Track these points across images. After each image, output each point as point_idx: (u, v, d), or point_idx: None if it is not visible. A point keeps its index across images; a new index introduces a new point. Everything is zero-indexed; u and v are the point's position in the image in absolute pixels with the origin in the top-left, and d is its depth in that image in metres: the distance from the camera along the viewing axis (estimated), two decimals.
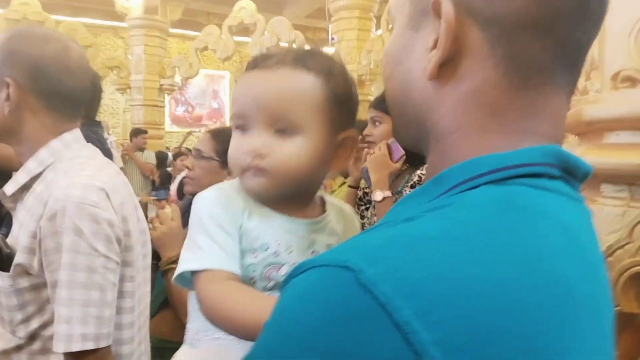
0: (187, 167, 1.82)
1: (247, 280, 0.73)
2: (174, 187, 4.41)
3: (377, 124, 2.01)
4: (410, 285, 0.34)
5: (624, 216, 0.80)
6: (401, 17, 0.54)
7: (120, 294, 1.05)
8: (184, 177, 1.88)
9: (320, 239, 0.79)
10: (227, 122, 12.45)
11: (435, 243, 0.38)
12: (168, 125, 10.68)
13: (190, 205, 0.75)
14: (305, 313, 0.35)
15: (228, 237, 0.71)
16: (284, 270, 0.74)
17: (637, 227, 0.77)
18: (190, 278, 0.73)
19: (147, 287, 1.21)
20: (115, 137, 8.67)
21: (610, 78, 0.81)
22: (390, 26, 5.95)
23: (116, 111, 11.49)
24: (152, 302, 1.30)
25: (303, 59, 0.74)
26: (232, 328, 0.67)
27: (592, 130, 0.87)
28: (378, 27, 6.38)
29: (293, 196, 0.79)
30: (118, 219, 1.03)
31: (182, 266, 0.72)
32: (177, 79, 8.12)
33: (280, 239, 0.75)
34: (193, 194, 1.67)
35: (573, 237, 0.45)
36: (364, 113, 2.51)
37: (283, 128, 0.73)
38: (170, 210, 1.68)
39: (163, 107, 8.19)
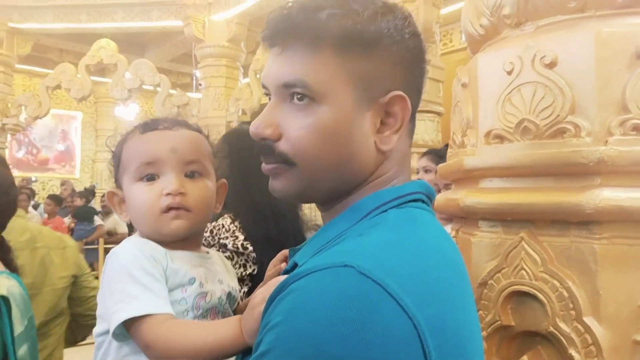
0: None
1: (180, 314, 0.78)
2: None
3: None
4: (390, 270, 0.54)
5: (499, 246, 0.99)
6: (338, 97, 0.66)
7: None
8: None
9: (216, 269, 0.90)
10: (77, 166, 11.57)
11: (392, 247, 0.59)
12: None
13: None
14: (328, 299, 0.52)
15: (157, 282, 0.76)
16: (209, 298, 0.83)
17: (510, 254, 0.95)
18: (120, 331, 0.75)
19: None
20: None
21: (484, 135, 1.01)
22: (259, 75, 6.16)
23: None
24: None
25: (187, 123, 0.89)
26: (195, 356, 0.71)
27: (471, 177, 1.06)
28: (245, 75, 6.57)
29: (195, 234, 0.90)
30: None
31: (120, 316, 0.73)
32: (22, 118, 7.42)
33: (199, 272, 0.83)
34: None
35: (449, 238, 0.70)
36: None
37: (193, 172, 0.85)
38: None
39: (4, 148, 7.40)
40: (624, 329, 0.87)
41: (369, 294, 0.52)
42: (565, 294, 0.89)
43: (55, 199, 7.50)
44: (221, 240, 1.58)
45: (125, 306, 0.73)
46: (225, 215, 1.65)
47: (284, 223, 1.68)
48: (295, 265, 0.68)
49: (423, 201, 0.71)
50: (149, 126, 0.85)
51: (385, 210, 0.66)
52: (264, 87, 0.73)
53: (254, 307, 0.67)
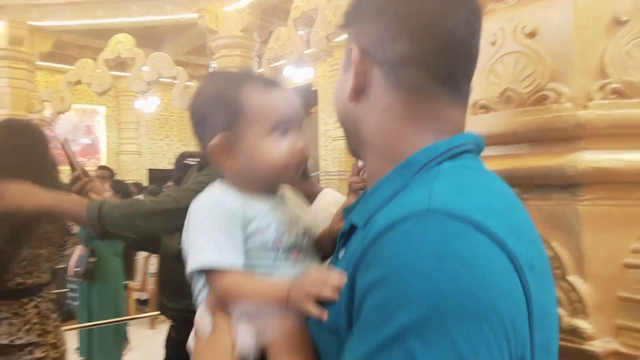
0: None
1: (265, 252, 0.84)
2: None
3: None
4: (475, 208, 0.56)
5: None
6: (341, 66, 0.76)
7: None
8: None
9: (291, 210, 0.92)
10: (102, 159, 11.81)
11: (463, 190, 0.60)
12: None
13: None
14: (425, 243, 0.53)
15: (227, 237, 0.82)
16: (286, 239, 0.86)
17: None
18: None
19: None
20: None
21: (471, 106, 1.05)
22: (272, 64, 6.21)
23: None
24: None
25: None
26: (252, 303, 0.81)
27: None
28: (260, 65, 6.60)
29: None
30: None
31: (189, 267, 0.82)
32: (47, 113, 7.63)
33: (273, 217, 0.87)
34: None
35: (503, 182, 0.69)
36: None
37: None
38: None
39: None
40: (607, 286, 0.90)
41: (460, 233, 0.53)
42: (551, 254, 0.92)
43: None
44: None
45: (191, 258, 0.82)
46: None
47: None
48: (352, 226, 0.70)
49: (473, 151, 0.70)
50: (269, 82, 0.89)
51: (440, 162, 0.66)
52: None
53: (307, 292, 0.69)
